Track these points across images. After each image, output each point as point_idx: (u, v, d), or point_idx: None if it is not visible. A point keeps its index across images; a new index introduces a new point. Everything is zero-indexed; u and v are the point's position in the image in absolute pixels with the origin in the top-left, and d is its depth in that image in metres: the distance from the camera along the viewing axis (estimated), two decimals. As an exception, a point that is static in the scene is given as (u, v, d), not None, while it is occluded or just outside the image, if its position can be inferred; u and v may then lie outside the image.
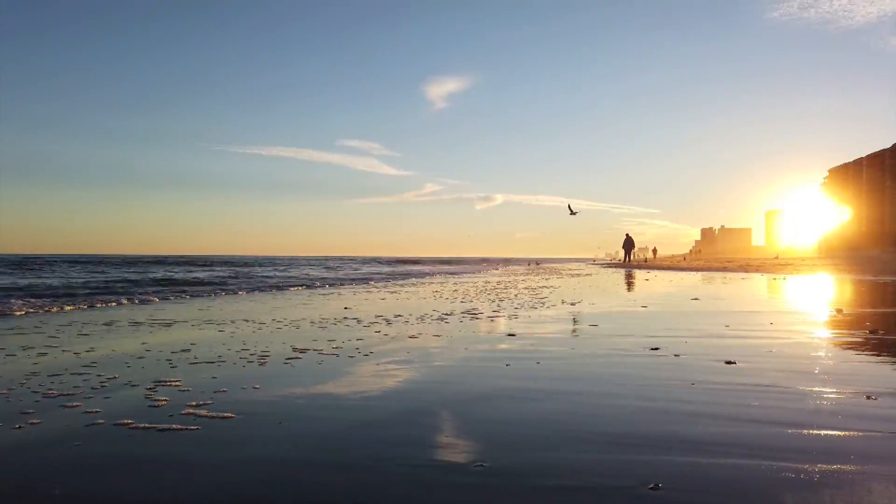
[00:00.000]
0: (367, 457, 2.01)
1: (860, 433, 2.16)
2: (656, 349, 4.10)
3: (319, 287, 14.12)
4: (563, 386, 3.07)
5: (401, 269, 30.20)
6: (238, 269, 27.37)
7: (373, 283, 16.43)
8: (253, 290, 12.69)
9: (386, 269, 31.45)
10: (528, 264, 50.73)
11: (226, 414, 2.53)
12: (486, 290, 12.04)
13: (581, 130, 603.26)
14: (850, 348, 4.14)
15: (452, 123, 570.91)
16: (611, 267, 37.82)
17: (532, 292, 10.95)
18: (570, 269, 32.22)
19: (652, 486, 1.70)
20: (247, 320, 6.36)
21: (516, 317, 6.50)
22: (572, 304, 8.27)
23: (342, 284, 15.54)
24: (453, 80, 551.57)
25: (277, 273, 22.88)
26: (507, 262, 69.81)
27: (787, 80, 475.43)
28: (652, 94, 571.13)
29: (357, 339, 4.74)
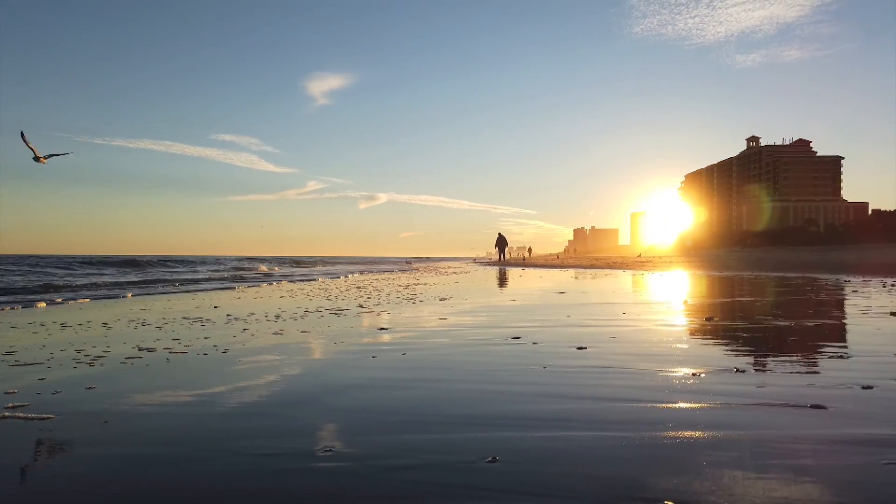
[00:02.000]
0: (207, 449, 1.93)
1: (683, 405, 2.36)
2: (517, 338, 4.27)
3: (180, 287, 13.37)
4: (424, 375, 3.11)
5: (279, 269, 29.29)
6: (91, 270, 25.28)
7: (245, 282, 15.80)
8: (105, 293, 11.80)
9: (262, 268, 30.36)
10: (407, 262, 51.25)
11: (45, 415, 2.34)
12: (362, 287, 11.97)
13: (462, 133, 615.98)
14: (687, 333, 4.53)
15: (335, 121, 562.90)
16: (488, 265, 38.89)
17: (407, 289, 11.03)
18: (449, 268, 32.78)
19: (490, 459, 1.77)
20: (86, 322, 5.90)
21: (388, 312, 6.51)
22: (444, 299, 8.41)
23: (208, 284, 14.81)
24: (335, 76, 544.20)
25: (137, 274, 21.40)
26: (389, 261, 69.82)
27: (649, 90, 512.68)
28: (529, 100, 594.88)
29: (212, 337, 4.54)
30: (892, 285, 9.95)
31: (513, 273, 20.86)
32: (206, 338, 4.54)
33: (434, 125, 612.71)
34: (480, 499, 1.52)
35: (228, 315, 6.28)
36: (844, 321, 5.19)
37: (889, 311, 5.77)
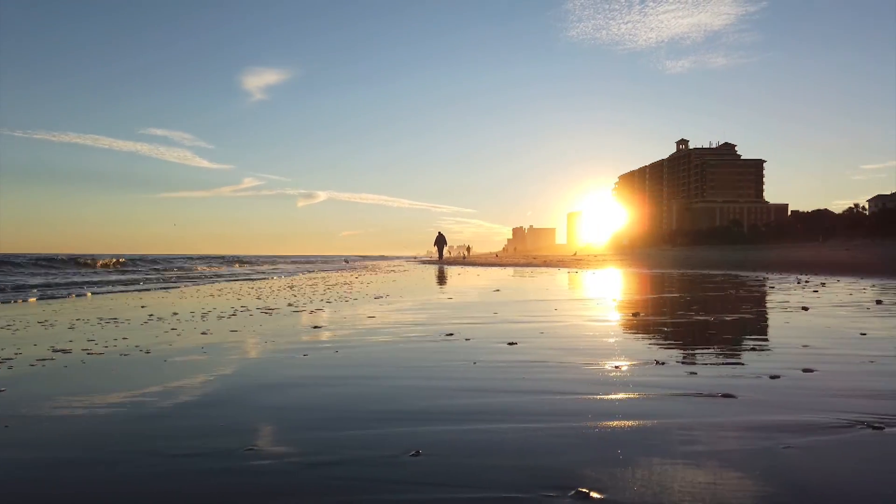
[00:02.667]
0: (123, 451, 1.87)
1: (605, 396, 2.44)
2: (451, 335, 4.30)
3: (102, 288, 12.82)
4: (356, 372, 3.10)
5: (211, 268, 28.48)
6: (6, 269, 23.92)
7: (174, 282, 15.29)
8: (11, 295, 11.19)
9: (193, 266, 29.44)
10: (346, 261, 50.99)
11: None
12: (296, 286, 11.80)
13: (403, 132, 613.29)
14: (614, 328, 4.67)
15: (272, 116, 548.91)
16: (428, 264, 38.95)
17: (342, 288, 10.94)
18: (389, 266, 32.68)
19: (413, 453, 1.79)
20: None
21: (322, 311, 6.44)
22: (380, 298, 8.39)
23: (133, 285, 14.25)
24: (272, 71, 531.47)
25: (54, 274, 20.38)
26: (329, 259, 68.98)
27: (585, 93, 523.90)
28: (468, 100, 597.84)
29: (134, 338, 4.38)
30: (807, 281, 10.55)
31: (451, 271, 20.98)
32: (124, 338, 4.36)
33: (373, 124, 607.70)
34: (399, 492, 1.53)
35: (151, 315, 6.06)
36: (760, 315, 5.47)
37: (801, 305, 6.12)
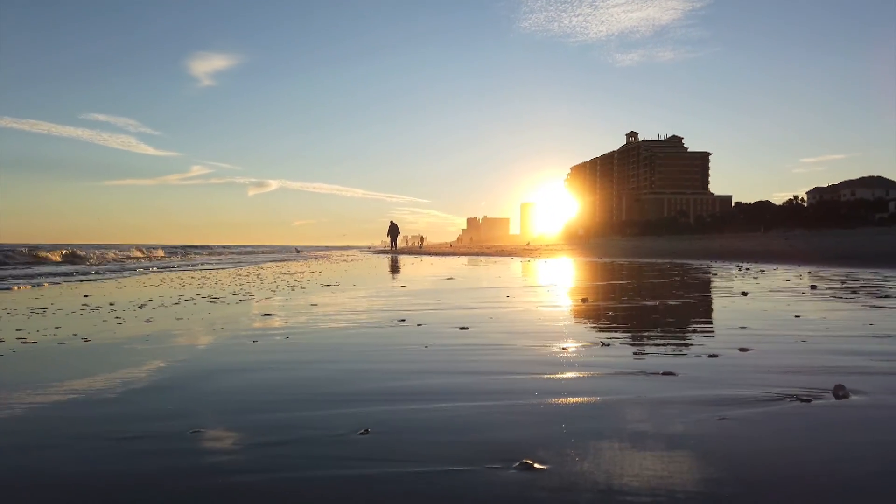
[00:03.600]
0: (55, 436, 1.83)
1: (552, 376, 2.50)
2: (403, 321, 4.31)
3: (35, 279, 12.34)
4: (306, 357, 3.08)
5: (157, 258, 27.68)
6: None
7: (118, 272, 14.81)
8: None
9: (140, 256, 28.54)
10: (297, 251, 50.43)
11: None
12: (244, 275, 11.60)
13: (356, 121, 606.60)
14: (563, 313, 4.77)
15: (221, 103, 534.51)
16: (382, 254, 38.80)
17: (293, 277, 10.81)
18: (343, 256, 32.40)
19: (362, 431, 1.80)
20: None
21: (271, 299, 6.36)
22: (332, 286, 8.33)
23: (74, 276, 13.76)
24: (221, 56, 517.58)
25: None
26: (280, 249, 67.90)
27: (537, 84, 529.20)
28: (423, 90, 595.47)
29: (70, 327, 4.25)
30: (748, 269, 10.95)
31: (405, 261, 20.96)
32: (56, 327, 4.20)
33: (326, 112, 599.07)
34: (347, 467, 1.54)
35: (87, 304, 5.86)
36: (703, 300, 5.67)
37: (742, 291, 6.36)
